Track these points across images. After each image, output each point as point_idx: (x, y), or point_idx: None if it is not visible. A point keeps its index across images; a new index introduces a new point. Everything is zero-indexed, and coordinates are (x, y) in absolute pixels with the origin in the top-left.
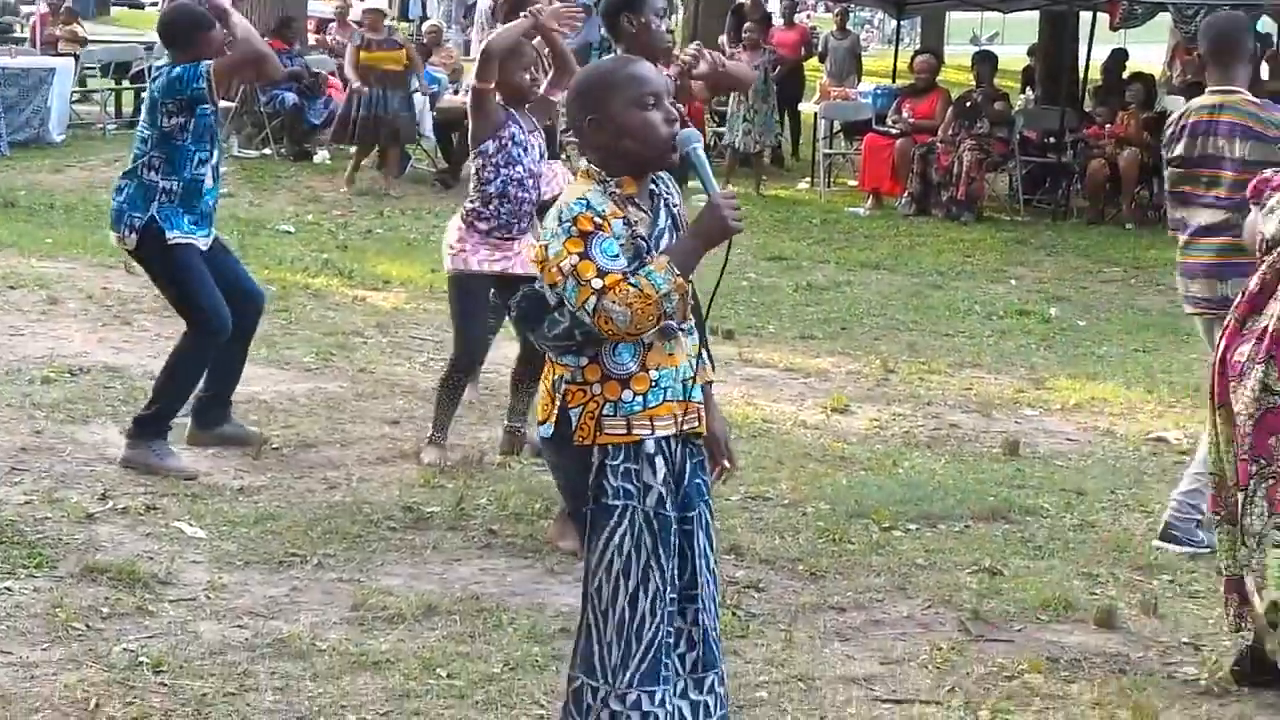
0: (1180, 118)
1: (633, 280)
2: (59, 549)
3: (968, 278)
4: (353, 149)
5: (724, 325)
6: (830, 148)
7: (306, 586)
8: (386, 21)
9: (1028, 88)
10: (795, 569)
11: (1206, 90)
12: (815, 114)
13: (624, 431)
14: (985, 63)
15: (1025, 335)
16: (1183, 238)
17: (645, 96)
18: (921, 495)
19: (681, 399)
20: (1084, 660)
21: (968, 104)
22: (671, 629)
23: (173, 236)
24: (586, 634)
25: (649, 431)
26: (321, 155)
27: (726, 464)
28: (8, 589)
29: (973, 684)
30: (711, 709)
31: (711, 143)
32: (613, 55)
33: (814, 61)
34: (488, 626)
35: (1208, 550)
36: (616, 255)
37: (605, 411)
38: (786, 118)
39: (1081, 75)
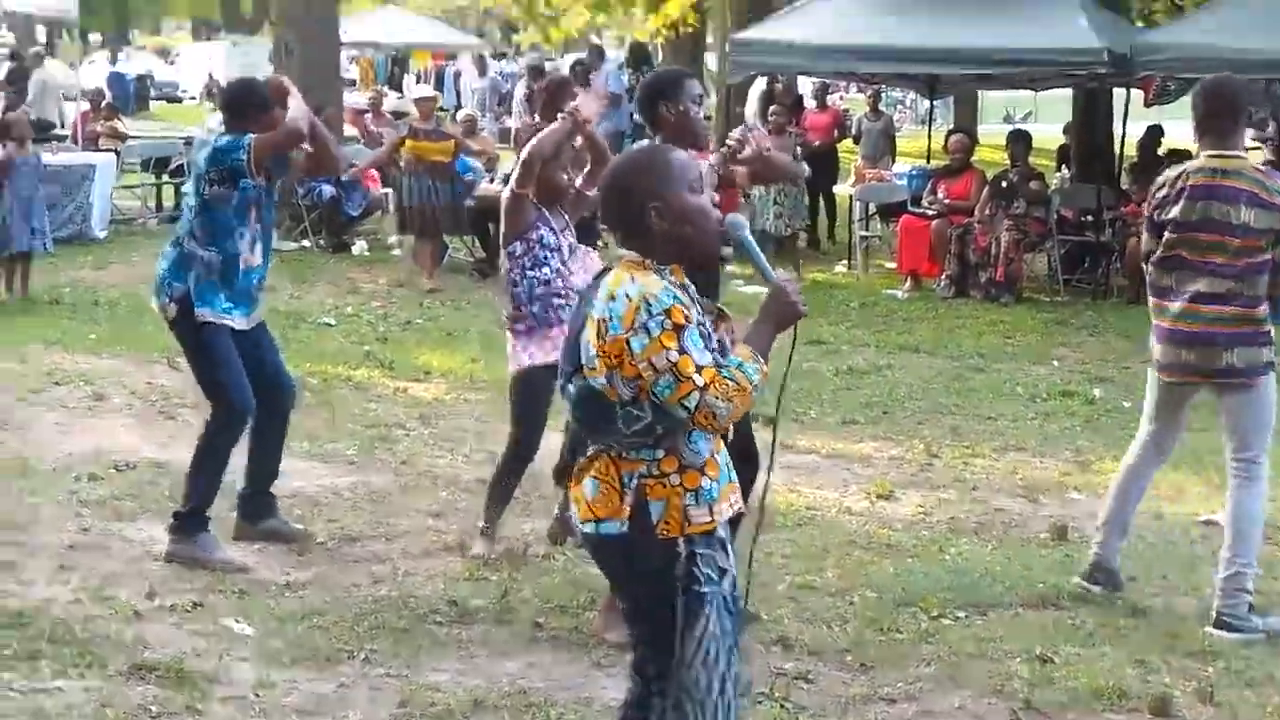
0: (1176, 180)
1: (726, 374)
2: (107, 647)
3: (1009, 359)
4: (394, 237)
5: (765, 411)
6: (866, 230)
7: (354, 683)
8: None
9: (1063, 166)
10: (844, 660)
11: (1202, 154)
12: (850, 196)
13: (708, 519)
14: (1020, 142)
15: (1069, 417)
16: (1177, 304)
17: (695, 181)
18: (969, 582)
19: (731, 480)
20: None
21: (1003, 184)
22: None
23: (202, 314)
24: None
25: (724, 516)
26: (360, 247)
27: None
28: (58, 688)
29: None
30: None
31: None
32: (646, 143)
33: (848, 143)
34: None
35: (1262, 636)
36: (704, 348)
37: (688, 501)
38: (821, 201)
39: (1117, 152)
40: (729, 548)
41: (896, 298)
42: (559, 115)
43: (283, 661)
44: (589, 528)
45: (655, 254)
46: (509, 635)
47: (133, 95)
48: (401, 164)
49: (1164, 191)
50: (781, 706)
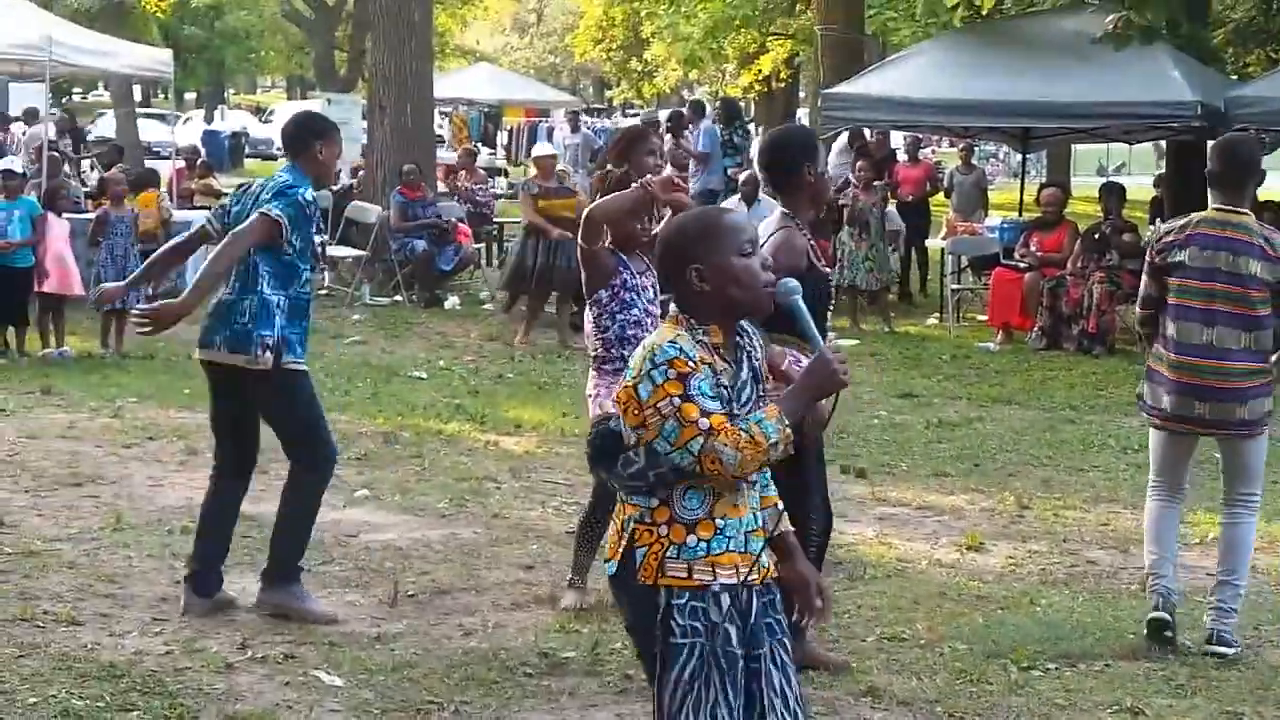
0: (1184, 227)
1: (743, 426)
2: (199, 699)
3: (1101, 411)
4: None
5: (856, 464)
6: (958, 283)
7: None
8: (559, 168)
9: (1156, 219)
10: (933, 711)
11: (1211, 207)
12: (943, 249)
13: (684, 575)
14: (1113, 194)
15: None
16: (1188, 357)
17: (745, 244)
18: (1060, 634)
19: (743, 551)
20: None
21: (1096, 236)
22: None
23: (289, 362)
24: None
25: (710, 578)
26: (452, 301)
27: (819, 604)
28: None
29: None
30: None
31: (834, 283)
32: (706, 208)
33: (940, 197)
34: None
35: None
36: (713, 397)
37: (669, 554)
38: (914, 254)
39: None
40: (732, 605)
41: (989, 350)
42: (628, 170)
43: (373, 712)
44: (607, 567)
45: (697, 313)
46: (599, 686)
47: (227, 152)
48: (525, 223)
49: (1171, 238)
50: None
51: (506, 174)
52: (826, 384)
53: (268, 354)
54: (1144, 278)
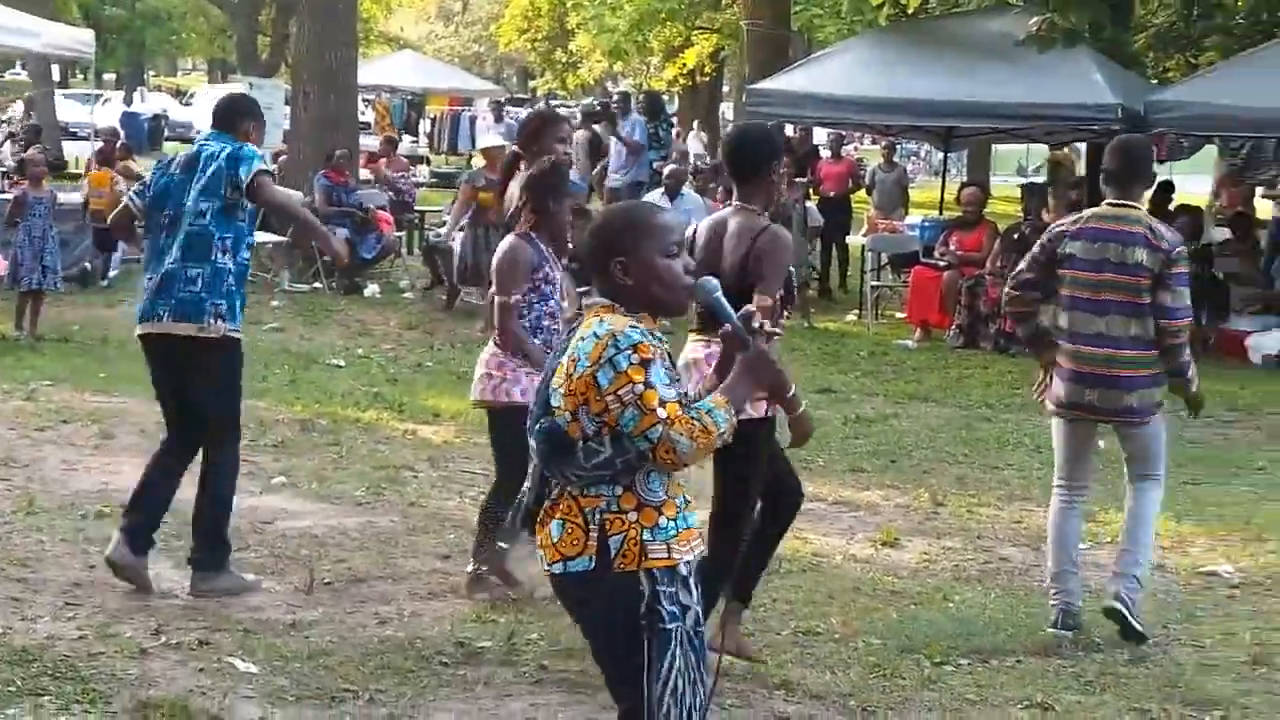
0: (1075, 221)
1: (694, 415)
2: (112, 685)
3: (1016, 410)
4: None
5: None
6: (878, 280)
7: None
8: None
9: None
10: (847, 704)
11: (1105, 202)
12: (863, 246)
13: (665, 556)
14: (1034, 195)
15: None
16: (1080, 346)
17: (671, 245)
18: (973, 630)
19: (689, 526)
20: None
21: (1016, 236)
22: None
23: (232, 330)
24: None
25: (683, 555)
26: (372, 289)
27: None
28: None
29: None
30: None
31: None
32: (636, 201)
33: (861, 194)
34: None
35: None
36: (669, 384)
37: (646, 538)
38: (834, 250)
39: None
40: (692, 585)
41: (906, 348)
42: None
43: (287, 699)
44: (557, 568)
45: (623, 303)
46: (514, 676)
47: (146, 135)
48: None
49: (1064, 228)
50: None
51: (429, 162)
52: (768, 375)
53: (219, 322)
54: (1027, 259)
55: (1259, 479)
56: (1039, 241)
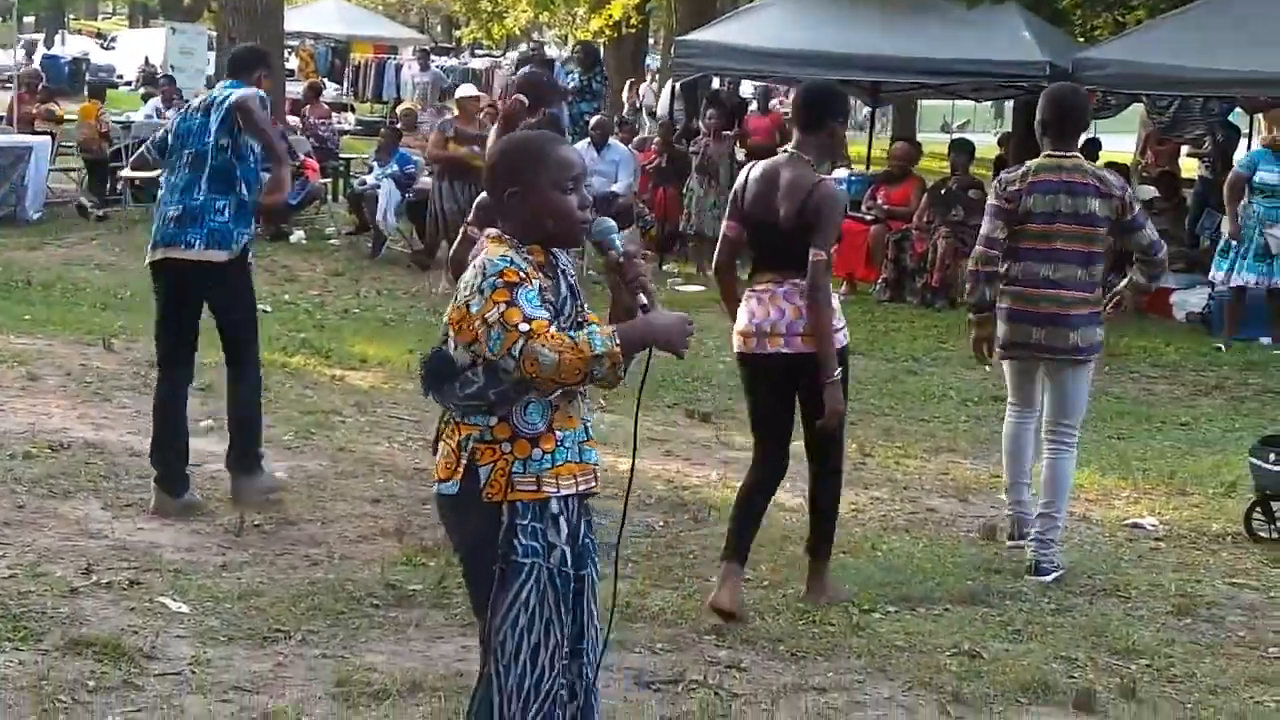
0: (1024, 176)
1: (572, 334)
2: (44, 622)
3: (942, 364)
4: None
5: (701, 408)
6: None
7: (291, 662)
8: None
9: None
10: (776, 650)
11: (1044, 154)
12: None
13: (534, 488)
14: (962, 151)
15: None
16: (1029, 289)
17: (566, 180)
18: (900, 578)
19: (579, 460)
20: None
21: (942, 191)
22: (564, 682)
23: (252, 259)
24: (487, 685)
25: (555, 489)
26: (297, 236)
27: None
28: None
29: None
30: None
31: (681, 229)
32: (539, 132)
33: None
34: (469, 701)
35: (1061, 572)
36: (539, 305)
37: (515, 469)
38: None
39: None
40: (568, 524)
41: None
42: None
43: (219, 639)
44: (436, 488)
45: (516, 233)
46: (445, 619)
47: (68, 78)
48: (436, 168)
49: (1016, 186)
50: (715, 694)
51: (353, 109)
52: (667, 337)
53: (237, 249)
54: (988, 219)
55: (1182, 434)
56: (996, 201)
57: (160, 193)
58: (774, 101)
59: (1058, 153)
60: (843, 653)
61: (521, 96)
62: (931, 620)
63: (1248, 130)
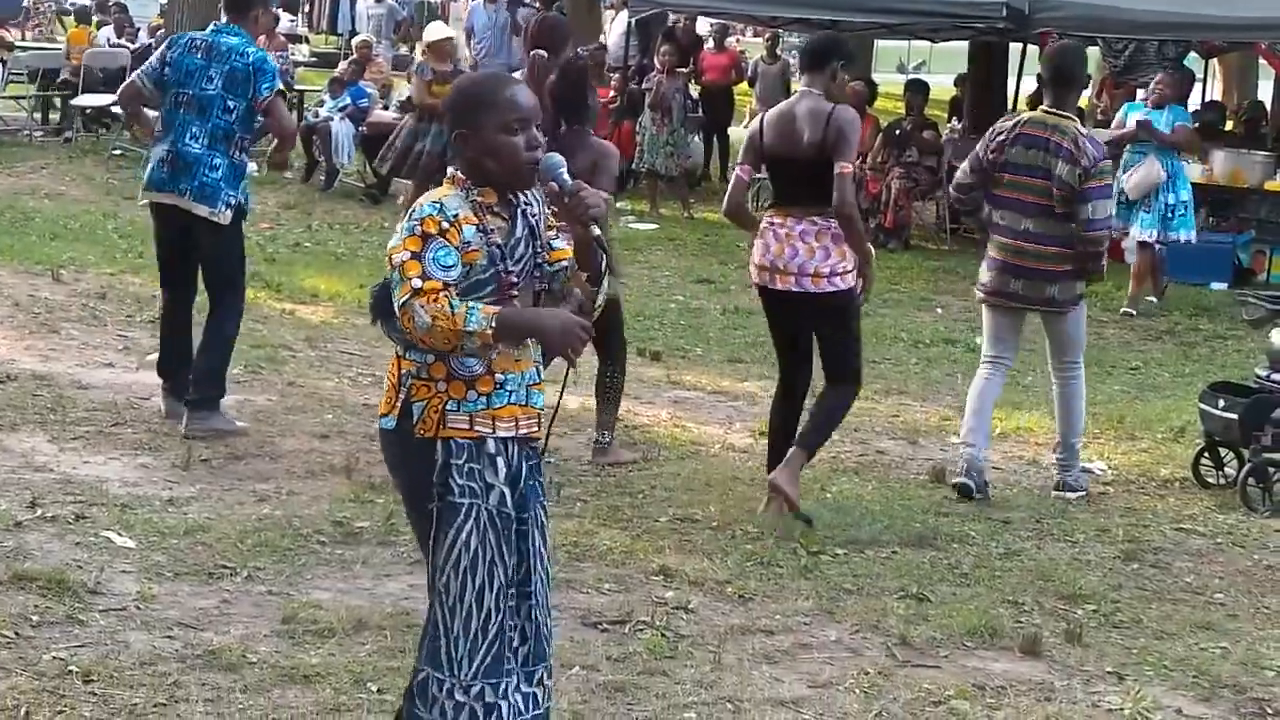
0: (1014, 126)
1: (456, 304)
2: None
3: (894, 305)
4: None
5: (652, 347)
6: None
7: (236, 599)
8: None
9: (954, 118)
10: (724, 591)
11: (1041, 108)
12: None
13: (466, 427)
14: (917, 92)
15: (951, 364)
16: (1009, 240)
17: (513, 121)
18: (849, 521)
19: (524, 404)
20: (1009, 688)
21: (897, 132)
22: (513, 624)
23: (236, 218)
24: (433, 628)
25: (490, 430)
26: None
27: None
28: None
29: (900, 709)
30: (540, 701)
31: (634, 166)
32: (490, 72)
33: (744, 86)
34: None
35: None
36: (451, 266)
37: (449, 407)
38: (716, 141)
39: (1010, 106)
40: (505, 465)
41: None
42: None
43: (165, 575)
44: (379, 422)
45: (468, 175)
46: (392, 557)
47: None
48: (417, 105)
49: (1003, 136)
50: (662, 635)
51: (308, 41)
52: (551, 338)
53: (229, 211)
54: (966, 165)
55: (1131, 379)
56: (981, 148)
57: (156, 129)
58: (731, 39)
59: (1053, 110)
60: (790, 595)
61: (541, 50)
62: (879, 563)
63: (1201, 75)
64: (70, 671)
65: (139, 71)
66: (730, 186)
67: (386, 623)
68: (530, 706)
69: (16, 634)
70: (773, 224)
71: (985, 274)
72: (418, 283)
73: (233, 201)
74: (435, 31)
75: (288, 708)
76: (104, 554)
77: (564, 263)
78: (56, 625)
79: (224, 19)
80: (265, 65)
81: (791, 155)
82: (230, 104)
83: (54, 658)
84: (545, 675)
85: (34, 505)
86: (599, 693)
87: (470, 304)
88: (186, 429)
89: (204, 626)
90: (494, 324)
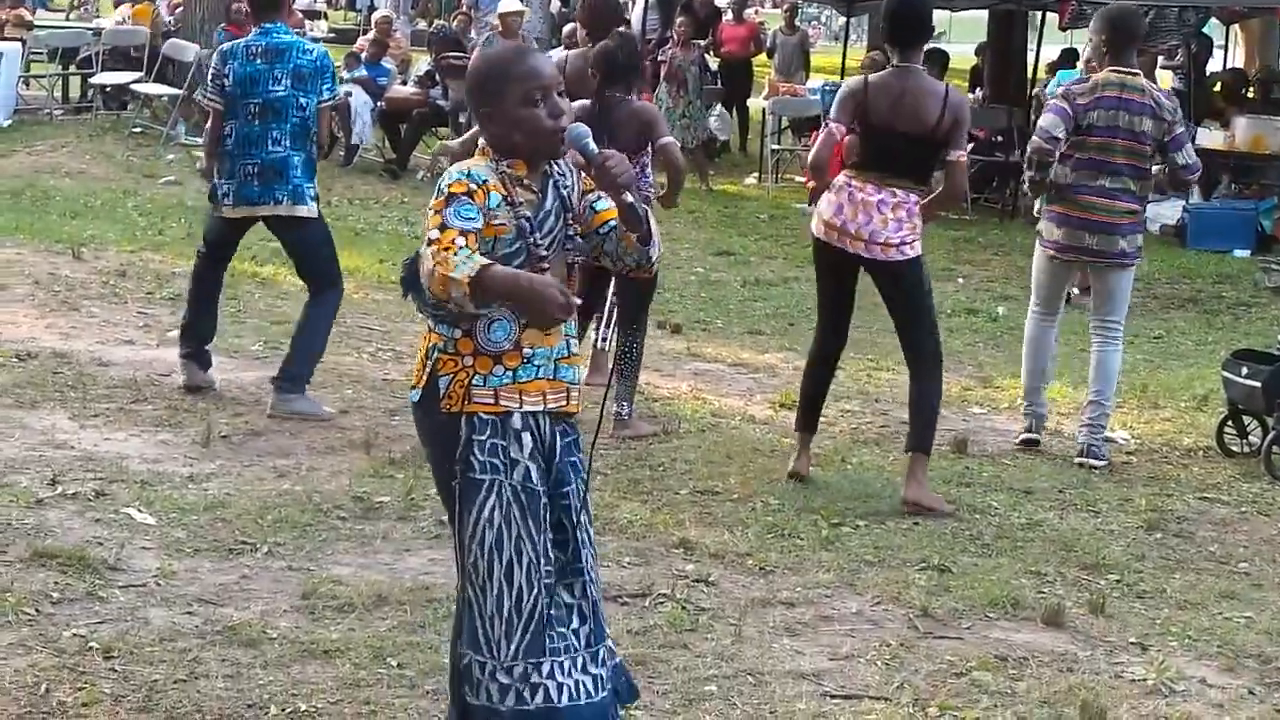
0: (1091, 90)
1: (454, 252)
2: (8, 533)
3: None
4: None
5: (672, 319)
6: (778, 144)
7: (256, 574)
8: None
9: (976, 87)
10: (744, 564)
11: (1108, 69)
12: (764, 110)
13: (491, 402)
14: (935, 62)
15: (973, 334)
16: (1086, 197)
17: (533, 91)
18: (870, 492)
19: (552, 378)
20: (1031, 658)
21: None
22: (561, 603)
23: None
24: (468, 609)
25: (516, 404)
26: None
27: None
28: None
29: (921, 680)
30: (604, 681)
31: None
32: (507, 45)
33: (763, 57)
34: (437, 616)
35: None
36: (470, 218)
37: (475, 382)
38: (735, 113)
39: (1030, 74)
40: (531, 441)
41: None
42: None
43: (185, 551)
44: (411, 394)
45: (495, 149)
46: (412, 532)
47: None
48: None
49: (1083, 101)
50: (682, 608)
51: (326, 17)
52: (527, 300)
53: (315, 204)
54: (1051, 115)
55: (1154, 347)
56: (1064, 106)
57: (228, 143)
58: (750, 10)
59: (1121, 69)
60: (811, 567)
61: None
62: (901, 534)
63: (1221, 42)
64: (90, 648)
65: (204, 93)
66: (819, 141)
67: (406, 598)
68: (598, 689)
69: (37, 611)
70: (850, 185)
71: (1055, 230)
72: (434, 234)
73: (315, 193)
74: (507, 4)
75: (307, 683)
76: (124, 530)
77: (610, 223)
78: (77, 602)
79: (262, 22)
80: (327, 62)
81: (893, 127)
82: (303, 101)
83: (74, 634)
84: (607, 655)
85: (54, 482)
86: None
87: (472, 254)
88: (272, 408)
89: (224, 602)
90: (474, 271)
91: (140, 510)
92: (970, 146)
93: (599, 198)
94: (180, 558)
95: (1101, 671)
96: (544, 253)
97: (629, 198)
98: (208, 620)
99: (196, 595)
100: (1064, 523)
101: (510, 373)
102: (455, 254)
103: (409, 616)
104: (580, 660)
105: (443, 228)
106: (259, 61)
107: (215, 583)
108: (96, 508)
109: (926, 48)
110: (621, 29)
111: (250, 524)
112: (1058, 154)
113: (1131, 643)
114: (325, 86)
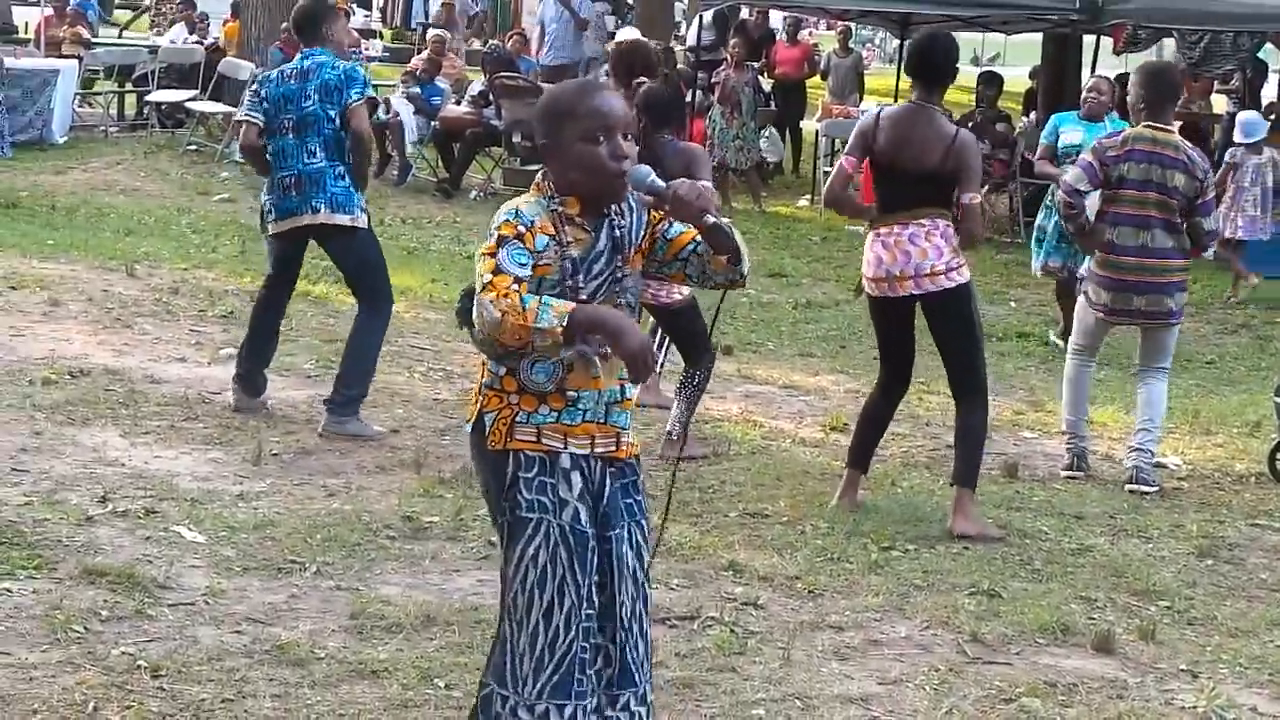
0: (1123, 143)
1: (526, 298)
2: (58, 551)
3: None
4: None
5: (723, 341)
6: (831, 165)
7: (305, 594)
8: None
9: (1030, 110)
10: (794, 587)
11: (1142, 124)
12: (816, 131)
13: (533, 439)
14: (990, 84)
15: (1024, 358)
16: (1129, 258)
17: (597, 130)
18: (920, 516)
19: (602, 422)
20: (1081, 685)
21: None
22: (589, 644)
23: (368, 221)
24: (501, 643)
25: (560, 445)
26: None
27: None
28: (6, 590)
29: (970, 706)
30: None
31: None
32: (582, 80)
33: (816, 79)
34: (485, 638)
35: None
36: (523, 264)
37: (518, 419)
38: (788, 134)
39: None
40: (580, 481)
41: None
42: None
43: (234, 570)
44: (465, 426)
45: (555, 184)
46: (461, 552)
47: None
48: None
49: (1114, 153)
50: (731, 631)
51: (381, 36)
52: (628, 343)
53: (363, 215)
54: (1076, 170)
55: (1207, 373)
56: (1091, 160)
57: (271, 157)
58: (804, 32)
59: (1155, 125)
60: (861, 591)
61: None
62: (950, 559)
63: (1277, 66)
64: (139, 666)
65: (244, 111)
66: (832, 176)
67: (455, 618)
68: None
69: (86, 629)
70: (879, 235)
71: (1102, 293)
72: (488, 277)
73: (362, 205)
74: (625, 35)
75: (355, 703)
76: (174, 549)
77: (689, 247)
78: (125, 620)
79: (304, 47)
80: (355, 73)
81: (902, 166)
82: (332, 113)
83: (123, 653)
84: (634, 701)
85: (105, 500)
86: (667, 689)
87: (543, 299)
88: (324, 429)
89: (272, 621)
90: (564, 321)
91: (190, 528)
92: (1020, 167)
93: (670, 224)
94: (229, 576)
95: (1151, 699)
96: (584, 296)
97: (711, 219)
98: (256, 639)
99: (245, 614)
100: (1115, 548)
101: (555, 413)
102: (524, 302)
103: (457, 637)
104: (596, 701)
105: (497, 271)
106: (292, 82)
107: (264, 602)
108: (146, 525)
109: (980, 71)
110: (666, 70)
111: (299, 543)
112: (1084, 207)
113: (1182, 670)
114: (354, 90)
